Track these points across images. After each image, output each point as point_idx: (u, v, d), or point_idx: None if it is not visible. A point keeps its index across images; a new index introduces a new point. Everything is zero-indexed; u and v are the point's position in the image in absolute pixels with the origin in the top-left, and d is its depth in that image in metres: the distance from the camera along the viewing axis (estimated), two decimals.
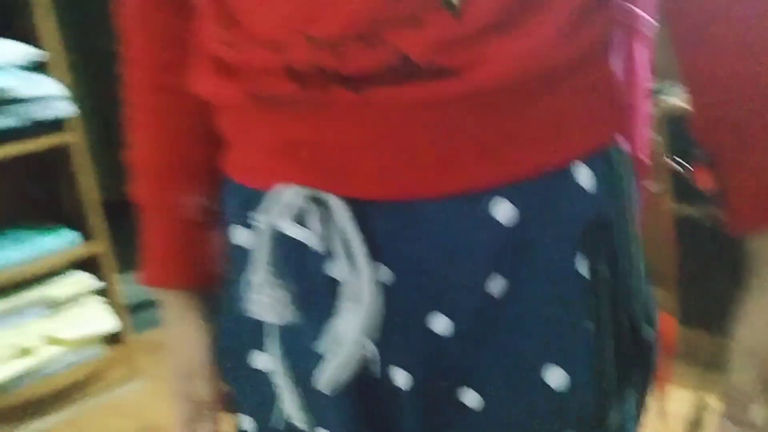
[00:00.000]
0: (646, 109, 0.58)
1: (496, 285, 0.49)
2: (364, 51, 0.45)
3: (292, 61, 0.46)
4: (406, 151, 0.47)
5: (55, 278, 2.00)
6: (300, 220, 0.51)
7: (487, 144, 0.47)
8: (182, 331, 0.65)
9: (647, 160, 0.59)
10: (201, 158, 0.62)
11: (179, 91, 0.58)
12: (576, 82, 0.49)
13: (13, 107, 1.80)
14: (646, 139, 0.58)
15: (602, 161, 0.50)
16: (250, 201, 0.55)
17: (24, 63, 1.84)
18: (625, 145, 0.53)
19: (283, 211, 0.51)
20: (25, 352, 1.91)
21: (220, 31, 0.51)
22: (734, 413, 0.53)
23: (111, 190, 2.22)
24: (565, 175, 0.49)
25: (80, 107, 1.96)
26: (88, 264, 2.06)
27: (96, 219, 2.04)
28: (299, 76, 0.47)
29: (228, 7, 0.51)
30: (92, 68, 3.28)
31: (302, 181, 0.50)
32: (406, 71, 0.45)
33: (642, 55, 0.57)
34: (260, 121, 0.52)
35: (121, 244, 2.16)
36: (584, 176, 0.49)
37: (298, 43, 0.46)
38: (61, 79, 1.91)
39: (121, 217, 2.41)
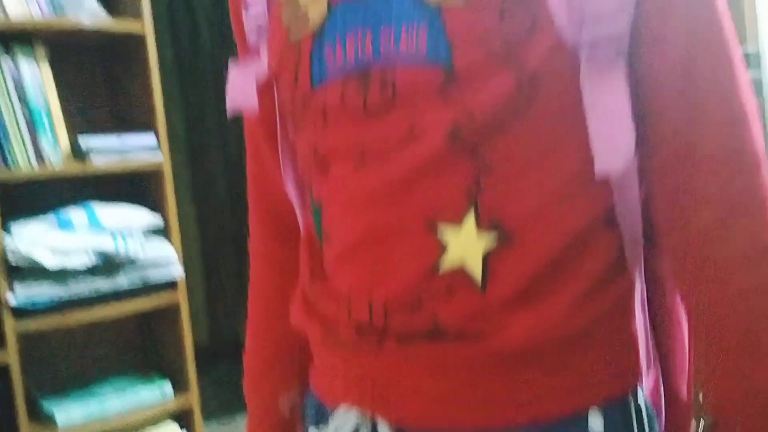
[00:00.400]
0: (685, 348, 0.64)
1: None
2: (407, 315, 0.56)
3: (355, 316, 0.59)
4: (438, 393, 0.57)
5: (148, 428, 2.12)
6: None
7: (507, 392, 0.56)
8: None
9: (687, 395, 0.64)
10: (298, 367, 0.75)
11: (285, 314, 0.71)
12: (594, 342, 0.56)
13: (130, 269, 2.01)
14: (687, 374, 0.64)
15: (620, 410, 0.57)
16: (319, 412, 0.66)
17: (145, 228, 2.07)
18: (647, 392, 0.59)
19: (341, 427, 0.61)
20: None
21: (310, 278, 0.65)
22: None
23: (196, 338, 2.36)
24: (580, 421, 0.56)
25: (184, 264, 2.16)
26: (179, 414, 2.19)
27: (190, 372, 2.19)
28: (359, 328, 0.59)
29: (319, 262, 0.64)
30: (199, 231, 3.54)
31: (359, 405, 0.61)
32: (438, 333, 0.55)
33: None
34: (330, 352, 0.63)
35: (203, 393, 2.29)
36: (598, 424, 0.56)
37: (362, 304, 0.58)
38: (174, 243, 2.12)
39: (204, 364, 2.59)
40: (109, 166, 2.01)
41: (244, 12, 0.69)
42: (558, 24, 0.53)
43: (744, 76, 0.56)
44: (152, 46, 2.10)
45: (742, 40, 2.03)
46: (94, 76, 2.26)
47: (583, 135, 0.55)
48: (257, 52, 0.68)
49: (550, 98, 0.54)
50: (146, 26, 2.09)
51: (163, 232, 2.12)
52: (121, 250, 1.96)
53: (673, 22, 0.54)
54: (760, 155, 0.55)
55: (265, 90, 0.68)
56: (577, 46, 0.53)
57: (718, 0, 0.56)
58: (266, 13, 0.66)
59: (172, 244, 2.12)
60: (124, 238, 1.97)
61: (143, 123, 2.14)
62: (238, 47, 0.73)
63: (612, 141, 0.54)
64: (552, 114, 0.55)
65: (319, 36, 0.60)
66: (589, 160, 0.55)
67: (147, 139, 2.09)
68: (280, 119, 0.69)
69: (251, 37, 0.69)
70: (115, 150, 2.03)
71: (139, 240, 2.02)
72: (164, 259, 2.07)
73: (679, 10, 0.54)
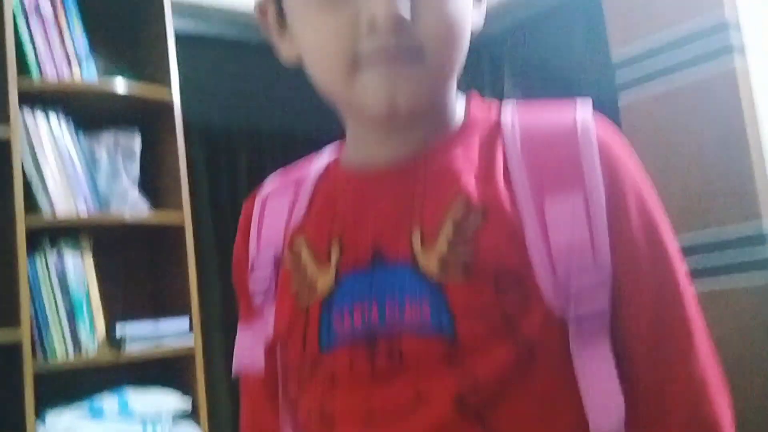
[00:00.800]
0: None
1: None
2: None
3: None
4: None
5: None
6: None
7: None
8: None
9: None
10: None
11: None
12: None
13: None
14: None
15: None
16: None
17: (175, 412, 2.09)
18: None
19: None
20: None
21: None
22: None
23: None
24: None
25: None
26: None
27: None
28: None
29: None
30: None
31: None
32: None
33: None
34: None
35: None
36: None
37: None
38: (203, 427, 2.13)
39: None
40: (142, 353, 2.07)
41: (249, 273, 0.74)
42: (547, 300, 0.60)
43: (705, 341, 0.63)
44: (190, 236, 2.22)
45: (755, 216, 2.05)
46: (134, 263, 2.37)
47: (578, 396, 0.59)
48: (261, 314, 0.73)
49: (547, 364, 0.60)
50: (185, 217, 2.22)
51: (193, 416, 2.14)
52: None
53: (641, 298, 0.62)
54: (720, 421, 0.61)
55: (268, 351, 0.72)
56: (565, 320, 0.60)
57: (680, 275, 0.64)
58: (273, 278, 0.72)
59: (201, 428, 2.12)
60: (153, 426, 2.00)
61: (179, 307, 2.22)
62: (240, 306, 0.78)
63: (603, 405, 0.59)
64: (550, 378, 0.60)
65: (327, 304, 0.65)
66: (586, 419, 0.59)
67: (180, 323, 2.16)
68: (281, 379, 0.72)
69: (257, 298, 0.73)
70: (150, 336, 2.09)
71: (168, 426, 2.04)
72: None
73: (647, 286, 0.62)
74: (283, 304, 0.70)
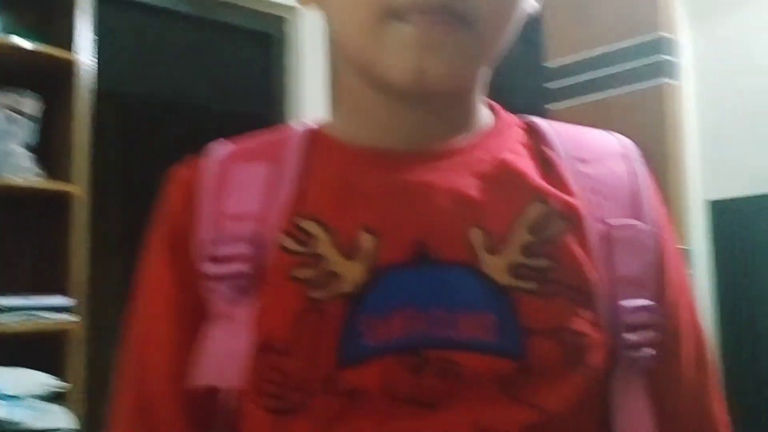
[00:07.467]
0: None
1: None
2: None
3: None
4: None
5: None
6: None
7: None
8: None
9: None
10: None
11: None
12: None
13: None
14: None
15: None
16: None
17: (42, 393, 1.97)
18: None
19: None
20: None
21: None
22: None
23: None
24: None
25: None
26: None
27: None
28: None
29: None
30: None
31: None
32: None
33: None
34: None
35: None
36: None
37: None
38: (75, 410, 2.02)
39: None
40: (14, 327, 1.95)
41: (204, 254, 0.58)
42: (606, 330, 0.55)
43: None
44: (83, 208, 2.10)
45: None
46: (19, 233, 2.24)
47: None
48: (228, 317, 0.56)
49: (601, 398, 0.55)
50: (80, 188, 2.10)
51: (65, 397, 2.02)
52: (14, 418, 1.86)
53: (687, 343, 0.60)
54: None
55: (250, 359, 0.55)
56: (616, 353, 0.55)
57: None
58: (254, 261, 0.55)
59: (76, 411, 2.01)
60: (17, 405, 1.88)
61: (61, 282, 2.10)
62: (164, 296, 0.60)
63: None
64: (595, 417, 0.55)
65: (356, 303, 0.52)
66: None
67: (61, 299, 2.05)
68: (253, 400, 0.55)
69: (219, 301, 0.57)
70: (24, 310, 1.98)
71: (37, 407, 1.93)
72: (59, 429, 1.96)
73: (688, 331, 0.60)
74: (281, 295, 0.54)
